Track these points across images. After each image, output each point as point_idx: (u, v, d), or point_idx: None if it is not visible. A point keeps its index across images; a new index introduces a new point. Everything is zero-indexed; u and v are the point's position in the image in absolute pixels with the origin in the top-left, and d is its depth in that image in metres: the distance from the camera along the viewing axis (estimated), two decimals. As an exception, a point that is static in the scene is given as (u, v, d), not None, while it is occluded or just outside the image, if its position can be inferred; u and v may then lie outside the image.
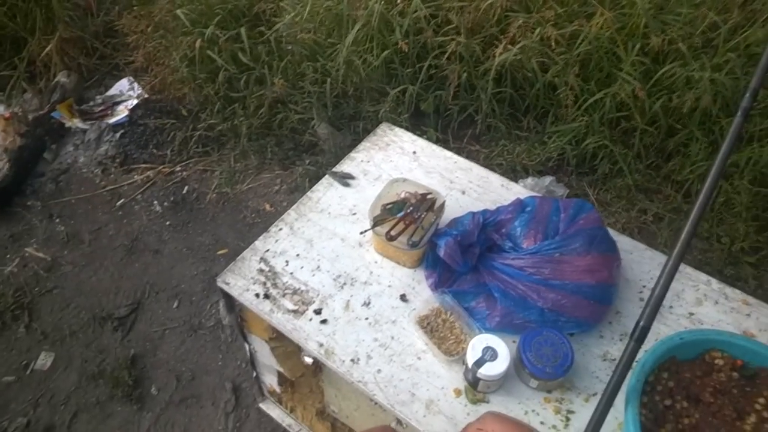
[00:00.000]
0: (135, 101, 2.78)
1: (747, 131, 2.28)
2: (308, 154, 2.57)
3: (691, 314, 1.13)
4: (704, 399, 0.91)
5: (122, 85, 2.91)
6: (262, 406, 1.56)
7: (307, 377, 1.39)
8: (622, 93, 2.30)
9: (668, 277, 0.85)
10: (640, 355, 0.88)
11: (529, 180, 2.42)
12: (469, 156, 2.62)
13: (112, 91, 2.90)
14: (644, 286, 1.17)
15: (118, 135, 2.65)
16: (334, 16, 2.65)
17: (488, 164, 2.54)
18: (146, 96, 2.80)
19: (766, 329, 1.10)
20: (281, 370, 1.32)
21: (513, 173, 2.51)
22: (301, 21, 2.65)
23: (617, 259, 1.13)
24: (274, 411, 1.54)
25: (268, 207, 2.29)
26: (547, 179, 2.40)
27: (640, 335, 0.84)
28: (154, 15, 2.69)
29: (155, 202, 2.36)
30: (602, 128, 2.39)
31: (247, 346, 1.33)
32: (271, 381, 1.44)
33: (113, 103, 2.81)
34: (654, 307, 0.85)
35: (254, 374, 1.45)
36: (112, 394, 1.73)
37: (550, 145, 2.48)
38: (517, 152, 2.53)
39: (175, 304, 1.98)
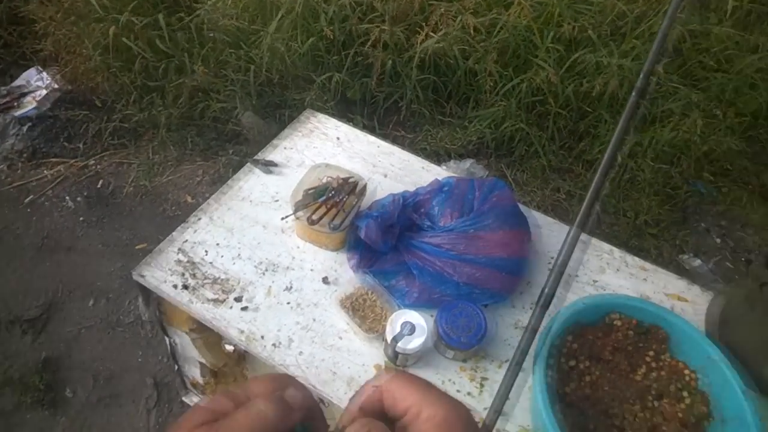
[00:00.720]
0: (44, 92, 2.60)
1: (650, 113, 2.45)
2: (232, 144, 2.51)
3: (595, 281, 1.21)
4: (604, 357, 0.99)
5: (30, 75, 2.71)
6: (186, 399, 1.52)
7: (230, 367, 1.37)
8: (537, 79, 2.40)
9: (570, 246, 0.91)
10: (547, 321, 0.95)
11: (451, 163, 2.49)
12: (395, 141, 2.65)
13: (18, 82, 2.70)
14: (552, 258, 1.24)
15: (25, 128, 2.47)
16: (258, 2, 2.59)
17: (413, 149, 2.58)
18: (56, 86, 2.62)
19: (660, 291, 1.20)
20: (203, 361, 1.30)
21: (436, 157, 2.57)
22: (223, 7, 2.57)
23: (528, 233, 1.19)
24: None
25: (189, 199, 2.23)
26: (468, 162, 2.48)
27: (545, 302, 0.90)
28: (64, 1, 2.52)
29: (67, 197, 2.23)
30: (519, 112, 2.50)
31: (167, 340, 1.30)
32: (193, 373, 1.41)
33: (20, 95, 2.61)
34: (557, 274, 0.90)
35: (176, 367, 1.42)
36: (20, 401, 1.62)
37: (470, 129, 2.56)
38: (440, 137, 2.59)
39: (91, 303, 1.89)
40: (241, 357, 1.32)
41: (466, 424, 0.35)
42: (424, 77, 2.64)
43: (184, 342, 1.29)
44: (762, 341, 0.97)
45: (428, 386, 0.37)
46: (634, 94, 0.97)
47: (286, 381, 0.37)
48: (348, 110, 2.71)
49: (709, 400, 0.93)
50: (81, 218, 2.16)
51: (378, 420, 0.35)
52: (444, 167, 2.50)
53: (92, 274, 1.98)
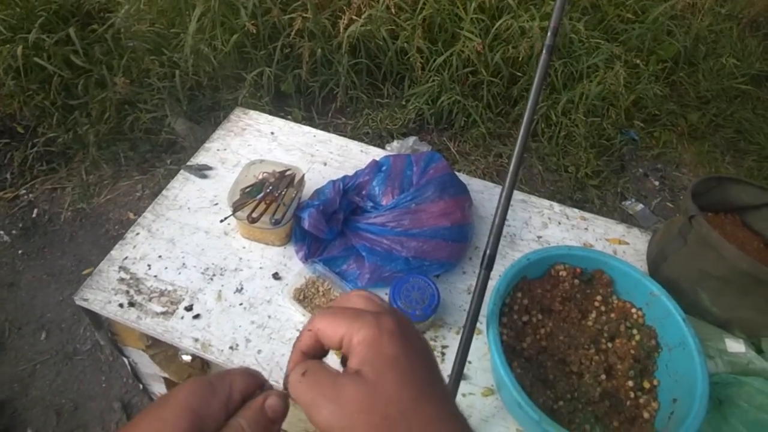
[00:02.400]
0: (-44, 125, 2.45)
1: (577, 71, 2.53)
2: (168, 154, 2.44)
3: (539, 237, 1.24)
4: (555, 308, 1.02)
5: (-63, 108, 2.55)
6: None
7: (195, 375, 1.35)
8: (466, 50, 2.44)
9: (504, 204, 0.94)
10: (496, 282, 0.97)
11: (395, 143, 2.50)
12: (336, 129, 2.65)
13: (-76, 118, 2.53)
14: (494, 219, 1.27)
15: (-59, 166, 2.33)
16: (172, 4, 2.51)
17: (356, 134, 2.58)
18: (-30, 118, 2.48)
19: (600, 237, 1.25)
20: (166, 375, 1.27)
21: (380, 139, 2.58)
22: (137, 13, 2.48)
23: (468, 200, 1.21)
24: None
25: (131, 216, 2.15)
26: (411, 140, 2.50)
27: (488, 263, 0.92)
28: (-37, 25, 2.37)
29: (1, 232, 2.11)
30: (453, 85, 2.52)
31: (125, 360, 1.26)
32: (159, 389, 1.38)
33: (-70, 132, 2.45)
34: (496, 234, 0.93)
35: (141, 386, 1.38)
36: (-23, 453, 1.56)
37: (409, 108, 2.58)
38: (380, 119, 2.60)
39: (43, 336, 1.81)
40: (205, 364, 1.30)
41: (394, 335, 0.37)
42: (357, 62, 2.63)
43: (143, 360, 1.25)
44: (695, 270, 1.02)
45: (356, 312, 0.38)
46: (544, 51, 1.00)
47: (261, 378, 0.40)
48: (284, 104, 2.68)
49: (656, 333, 0.98)
50: (20, 251, 2.06)
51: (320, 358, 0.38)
52: (388, 148, 2.53)
53: (40, 306, 1.89)
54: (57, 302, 1.89)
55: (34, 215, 2.18)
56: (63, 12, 2.53)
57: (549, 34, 0.99)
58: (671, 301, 0.95)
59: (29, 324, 1.84)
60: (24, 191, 2.26)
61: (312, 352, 0.40)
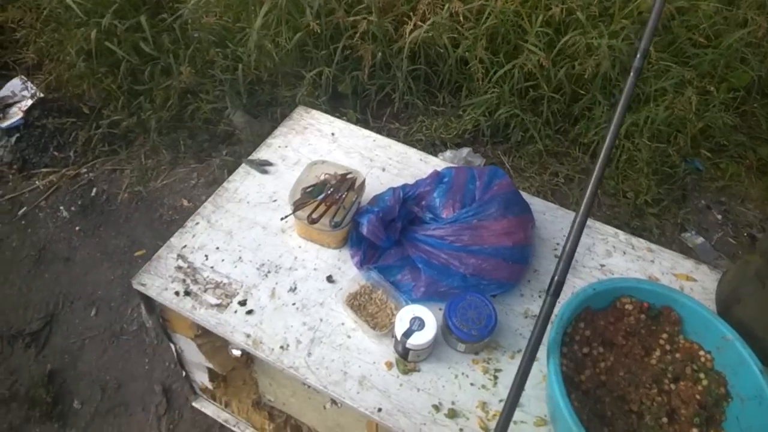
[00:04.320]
0: (30, 102, 2.55)
1: (643, 93, 2.44)
2: (225, 145, 2.48)
3: (603, 266, 1.20)
4: (617, 342, 0.98)
5: (14, 85, 2.67)
6: (196, 404, 1.51)
7: (238, 370, 1.36)
8: (528, 63, 2.38)
9: (577, 231, 0.90)
10: (558, 309, 0.93)
11: (448, 153, 2.47)
12: (389, 134, 2.64)
13: (2, 93, 2.65)
14: (558, 244, 1.23)
15: (13, 139, 2.43)
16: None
17: (408, 141, 2.57)
18: (42, 95, 2.58)
19: (668, 272, 1.19)
20: (211, 366, 1.29)
21: (432, 147, 2.55)
22: (205, 5, 2.53)
23: (531, 220, 1.17)
24: (208, 408, 1.49)
25: (185, 203, 2.20)
26: (465, 150, 2.46)
27: (555, 289, 0.89)
28: (43, 6, 2.47)
29: (61, 207, 2.19)
30: (512, 98, 2.47)
31: (172, 347, 1.28)
32: (201, 378, 1.40)
33: (5, 106, 2.57)
34: (566, 261, 0.89)
35: (183, 374, 1.40)
36: (28, 416, 1.60)
37: (465, 118, 2.54)
38: (434, 127, 2.57)
39: (93, 312, 1.86)
40: (250, 360, 1.30)
41: None
42: (415, 68, 2.62)
43: (190, 348, 1.27)
44: (775, 317, 0.96)
45: None
46: (632, 73, 0.96)
47: None
48: (340, 105, 2.69)
49: (726, 381, 0.92)
50: (77, 228, 2.13)
51: None
52: (440, 157, 2.50)
53: (92, 283, 1.95)
54: (108, 281, 1.95)
55: (92, 194, 2.26)
56: (135, 0, 2.61)
57: (638, 56, 0.95)
58: (746, 348, 0.90)
59: (81, 299, 1.90)
60: (85, 170, 2.34)
61: None
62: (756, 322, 0.99)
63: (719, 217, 2.37)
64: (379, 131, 2.65)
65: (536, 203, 1.31)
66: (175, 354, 1.31)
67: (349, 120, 2.58)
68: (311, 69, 2.58)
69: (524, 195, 1.27)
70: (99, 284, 1.95)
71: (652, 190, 2.28)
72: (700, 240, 2.24)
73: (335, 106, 2.66)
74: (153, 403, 1.65)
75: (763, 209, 2.38)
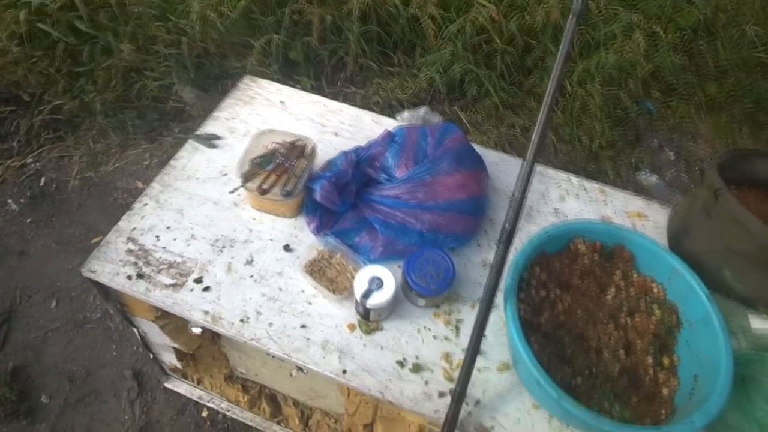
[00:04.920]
0: (-38, 93, 2.41)
1: (593, 39, 2.45)
2: (176, 122, 2.40)
3: (557, 210, 1.21)
4: (573, 283, 1.00)
5: (-58, 76, 2.51)
6: (168, 384, 1.50)
7: (206, 347, 1.35)
8: (480, 18, 2.36)
9: (524, 179, 0.90)
10: (513, 256, 0.94)
11: (405, 113, 2.45)
12: (346, 98, 2.59)
13: (-70, 86, 2.49)
14: (513, 193, 1.23)
15: (-51, 135, 2.30)
16: (177, -32, 2.44)
17: (365, 104, 2.53)
18: (-26, 85, 2.44)
19: (620, 211, 1.21)
20: (176, 345, 1.27)
21: (390, 109, 2.52)
22: (142, -23, 2.41)
23: (484, 172, 1.17)
24: (180, 387, 1.48)
25: (140, 185, 2.12)
26: (422, 109, 2.44)
27: (506, 238, 0.89)
28: (-35, -10, 2.31)
29: (9, 200, 2.10)
30: (466, 54, 2.45)
31: (135, 330, 1.26)
32: (170, 359, 1.38)
33: (-65, 100, 2.42)
34: (515, 209, 0.90)
35: (151, 356, 1.38)
36: (-7, 416, 1.57)
37: (420, 77, 2.51)
38: (390, 88, 2.54)
39: (54, 304, 1.81)
40: (216, 336, 1.29)
41: None
42: (367, 29, 2.56)
43: (152, 330, 1.25)
44: (720, 246, 0.99)
45: None
46: (571, 16, 0.95)
47: None
48: (294, 72, 2.62)
49: (677, 309, 0.96)
50: (28, 220, 2.05)
51: None
52: (398, 118, 2.48)
53: (50, 275, 1.89)
54: (66, 271, 1.89)
55: (41, 184, 2.16)
56: (67, -24, 2.46)
57: (577, -2, 0.94)
58: (693, 276, 0.93)
59: (40, 292, 1.84)
60: (31, 159, 2.24)
61: None
62: (704, 251, 1.02)
63: (672, 155, 2.42)
64: (335, 96, 2.60)
65: (490, 155, 1.31)
66: (139, 337, 1.29)
67: (303, 87, 2.53)
68: (259, 37, 2.50)
69: (478, 148, 1.27)
70: (57, 275, 1.89)
71: (606, 133, 2.31)
72: (654, 178, 2.29)
73: (288, 74, 2.59)
74: (124, 388, 1.63)
75: (713, 145, 2.45)
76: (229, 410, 1.51)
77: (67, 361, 1.69)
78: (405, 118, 2.46)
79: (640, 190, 2.27)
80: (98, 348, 1.72)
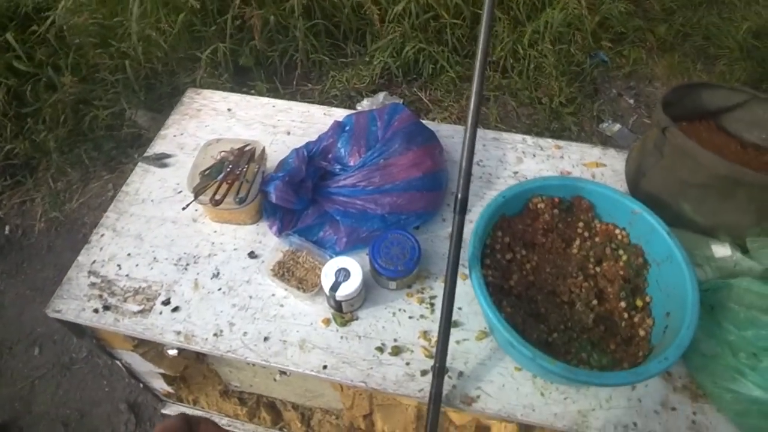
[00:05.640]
0: None
1: (539, 0, 2.45)
2: (134, 148, 2.36)
3: (516, 173, 1.21)
4: (537, 241, 1.00)
5: None
6: (165, 410, 1.48)
7: (194, 366, 1.33)
8: (422, -6, 2.34)
9: (469, 145, 0.89)
10: (474, 224, 0.94)
11: (365, 101, 2.43)
12: (304, 96, 2.57)
13: None
14: (460, 162, 1.23)
15: None
16: (108, -9, 2.39)
17: (324, 99, 2.51)
18: None
19: (578, 163, 1.22)
20: (162, 371, 1.25)
21: (349, 100, 2.51)
22: (75, 6, 2.35)
23: (438, 146, 1.17)
24: (178, 410, 1.47)
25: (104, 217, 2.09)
26: (381, 95, 2.43)
27: (461, 207, 0.89)
28: None
29: (-25, 254, 2.07)
30: (416, 33, 2.44)
31: (118, 363, 1.24)
32: (160, 384, 1.37)
33: None
34: (465, 177, 0.89)
35: (141, 385, 1.36)
36: (-13, 479, 1.55)
37: (374, 63, 2.50)
38: (346, 78, 2.52)
39: (36, 351, 1.78)
40: (200, 354, 1.28)
41: None
42: (313, 23, 2.53)
43: (135, 360, 1.23)
44: (675, 181, 1.00)
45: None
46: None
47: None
48: (247, 79, 2.59)
49: (642, 250, 0.96)
50: (-2, 271, 2.02)
51: None
52: (359, 107, 2.46)
53: (29, 322, 1.86)
54: (44, 316, 1.82)
55: (6, 232, 2.12)
56: (-1, 19, 2.39)
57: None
58: (653, 216, 0.93)
59: (20, 342, 1.81)
60: (-9, 210, 2.20)
61: None
62: (660, 190, 1.03)
63: (631, 101, 2.44)
64: (292, 96, 2.58)
65: (443, 129, 1.30)
66: (123, 369, 1.28)
67: (258, 92, 2.50)
68: (205, 48, 2.46)
69: (430, 123, 1.26)
70: (36, 321, 1.85)
71: (564, 90, 2.32)
72: (617, 127, 2.30)
73: (242, 81, 2.56)
74: (121, 422, 1.62)
75: (669, 85, 2.46)
76: (230, 425, 1.50)
77: (59, 405, 1.67)
78: (365, 106, 2.44)
79: (607, 141, 2.29)
80: (89, 387, 1.70)
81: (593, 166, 1.20)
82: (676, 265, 0.87)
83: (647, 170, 1.07)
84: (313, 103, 1.44)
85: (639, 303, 0.93)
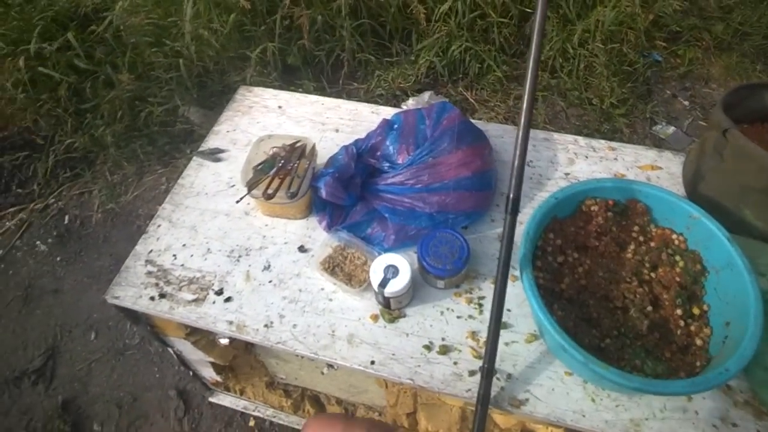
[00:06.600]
0: (-23, 145, 2.49)
1: (590, -3, 2.39)
2: (187, 144, 2.44)
3: (567, 174, 1.19)
4: (590, 244, 0.98)
5: (-42, 132, 2.60)
6: (213, 399, 1.53)
7: (242, 357, 1.37)
8: (469, -8, 2.33)
9: (522, 145, 0.89)
10: (525, 225, 0.93)
11: (410, 101, 2.43)
12: (350, 95, 2.60)
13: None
14: (512, 162, 1.21)
15: (-30, 185, 2.39)
16: (164, -8, 2.47)
17: (369, 98, 2.53)
18: (-10, 136, 2.52)
19: (632, 166, 1.18)
20: (212, 359, 1.29)
21: (395, 99, 2.51)
22: (132, 7, 2.45)
23: (487, 146, 1.16)
24: (225, 400, 1.51)
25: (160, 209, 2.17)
26: (426, 95, 2.43)
27: (513, 207, 0.88)
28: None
29: (38, 242, 2.17)
30: (462, 32, 2.43)
31: (170, 350, 1.29)
32: (209, 373, 1.41)
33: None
34: (517, 177, 0.88)
35: (191, 373, 1.41)
36: (49, 450, 1.63)
37: (420, 63, 2.49)
38: (391, 78, 2.53)
39: (93, 336, 1.87)
40: (249, 344, 1.31)
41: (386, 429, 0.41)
42: (360, 23, 2.55)
43: (186, 348, 1.27)
44: (736, 185, 0.96)
45: (346, 417, 0.44)
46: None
47: None
48: (294, 78, 2.63)
49: (700, 257, 0.93)
50: (58, 258, 2.11)
51: None
52: (404, 106, 2.47)
53: (86, 308, 1.95)
54: (101, 302, 1.94)
55: (66, 222, 2.23)
56: (60, 18, 2.51)
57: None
58: (713, 221, 0.90)
59: (78, 326, 1.90)
60: (53, 200, 2.31)
61: None
62: (720, 194, 0.99)
63: (686, 103, 2.36)
64: (338, 95, 2.61)
65: (492, 128, 1.29)
66: (175, 356, 1.32)
67: (305, 91, 2.54)
68: (255, 48, 2.52)
69: (479, 123, 1.25)
70: (92, 308, 1.94)
71: (616, 91, 2.26)
72: (671, 129, 2.23)
73: (289, 80, 2.61)
74: (171, 408, 1.67)
75: (726, 86, 2.37)
76: (275, 417, 1.53)
77: (114, 388, 1.74)
78: (410, 105, 2.45)
79: (660, 144, 2.22)
80: (141, 372, 1.77)
81: (648, 168, 1.17)
82: (737, 273, 0.84)
83: (706, 174, 1.03)
84: (357, 101, 1.45)
85: (696, 311, 0.90)
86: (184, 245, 1.14)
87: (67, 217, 2.24)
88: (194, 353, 1.28)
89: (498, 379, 0.91)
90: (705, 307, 0.90)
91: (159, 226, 1.18)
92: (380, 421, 0.40)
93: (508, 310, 0.99)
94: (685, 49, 2.46)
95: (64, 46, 2.38)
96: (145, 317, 1.16)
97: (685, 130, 2.26)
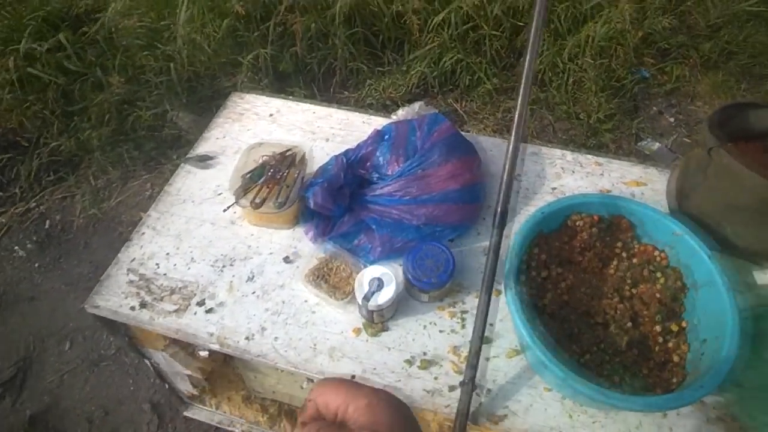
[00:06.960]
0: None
1: (580, 13, 2.42)
2: (174, 149, 2.42)
3: (554, 188, 1.20)
4: (574, 260, 0.98)
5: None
6: (187, 413, 1.49)
7: (219, 370, 1.35)
8: (464, 6, 2.34)
9: (511, 159, 0.89)
10: (511, 239, 0.93)
11: (401, 111, 2.41)
12: (340, 103, 2.59)
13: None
14: (501, 175, 1.22)
15: (-48, 188, 2.34)
16: (158, -4, 2.46)
17: (359, 106, 2.53)
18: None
19: (618, 182, 1.19)
20: (189, 372, 1.27)
21: (385, 109, 2.52)
22: (125, 9, 2.44)
23: (477, 159, 1.16)
24: (200, 414, 1.48)
25: (143, 215, 2.14)
26: (417, 105, 2.41)
27: (500, 221, 0.88)
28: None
29: (16, 247, 2.12)
30: (454, 44, 2.44)
31: (147, 362, 1.26)
32: (185, 387, 1.38)
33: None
34: (505, 191, 0.89)
35: (166, 386, 1.38)
36: (13, 470, 1.58)
37: (411, 73, 2.50)
38: (383, 87, 2.53)
39: (68, 346, 1.82)
40: (228, 358, 1.30)
41: (390, 404, 0.40)
42: (353, 32, 2.56)
43: (164, 360, 1.25)
44: (719, 203, 0.97)
45: (351, 383, 0.42)
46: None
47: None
48: (285, 85, 2.63)
49: (681, 274, 0.94)
50: (36, 264, 2.07)
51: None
52: (394, 116, 2.47)
53: (62, 317, 1.90)
54: (77, 311, 1.90)
55: (46, 226, 2.19)
56: (52, 18, 2.49)
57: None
58: (695, 239, 0.91)
59: (52, 336, 1.85)
60: (34, 203, 2.27)
61: (311, 423, 0.42)
62: (703, 211, 1.00)
63: (672, 120, 2.39)
64: (329, 102, 2.60)
65: (482, 141, 1.30)
66: (151, 368, 1.30)
67: (296, 98, 2.53)
68: (247, 54, 2.51)
69: (469, 135, 1.26)
70: (69, 316, 1.90)
71: (603, 106, 2.28)
72: (656, 145, 2.26)
73: (280, 87, 2.61)
74: (143, 422, 1.63)
75: (713, 104, 2.40)
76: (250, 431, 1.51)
77: (85, 401, 1.69)
78: (401, 115, 2.44)
79: (645, 159, 2.24)
80: (115, 385, 1.73)
81: (633, 185, 1.18)
82: (716, 291, 0.84)
83: (690, 191, 1.04)
84: (348, 110, 1.45)
85: (674, 328, 0.90)
86: (167, 254, 1.13)
87: (48, 222, 2.21)
88: (172, 366, 1.26)
89: (477, 394, 0.91)
90: (683, 324, 0.90)
91: (143, 233, 1.17)
92: (383, 390, 0.39)
93: (491, 325, 0.99)
94: (673, 66, 2.49)
95: (55, 47, 2.36)
96: (124, 327, 1.14)
97: (670, 147, 2.28)
